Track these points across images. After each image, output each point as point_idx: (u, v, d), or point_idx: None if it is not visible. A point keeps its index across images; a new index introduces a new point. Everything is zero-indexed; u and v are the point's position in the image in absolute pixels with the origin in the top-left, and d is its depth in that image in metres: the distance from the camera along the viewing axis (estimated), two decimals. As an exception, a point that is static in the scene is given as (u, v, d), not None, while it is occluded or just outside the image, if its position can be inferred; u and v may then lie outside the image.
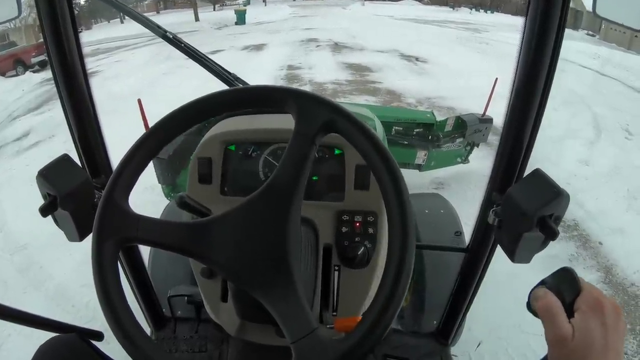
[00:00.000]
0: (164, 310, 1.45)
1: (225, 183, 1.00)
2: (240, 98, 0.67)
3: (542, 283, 0.58)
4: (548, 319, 0.55)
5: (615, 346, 0.51)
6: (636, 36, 14.70)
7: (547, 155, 3.74)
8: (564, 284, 0.56)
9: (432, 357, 1.35)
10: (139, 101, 2.48)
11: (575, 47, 10.78)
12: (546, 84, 0.83)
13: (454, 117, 3.41)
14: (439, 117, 3.42)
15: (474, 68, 8.64)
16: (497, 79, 3.02)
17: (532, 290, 0.59)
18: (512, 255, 0.89)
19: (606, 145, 4.75)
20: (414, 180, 3.52)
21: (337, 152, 0.98)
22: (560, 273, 0.58)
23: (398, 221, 0.56)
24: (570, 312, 0.54)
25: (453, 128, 3.41)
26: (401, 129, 3.32)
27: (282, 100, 0.64)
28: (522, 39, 0.81)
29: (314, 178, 0.99)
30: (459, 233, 1.64)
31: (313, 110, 0.62)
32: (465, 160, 3.63)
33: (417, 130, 3.34)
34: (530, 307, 0.58)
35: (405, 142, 3.33)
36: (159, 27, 1.21)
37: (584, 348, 0.51)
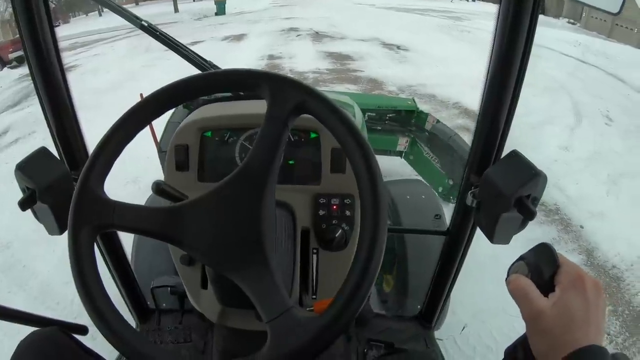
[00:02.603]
0: (148, 302, 1.44)
1: (202, 170, 1.00)
2: (213, 82, 0.67)
3: (521, 259, 0.59)
4: (520, 298, 0.56)
5: (596, 321, 0.51)
6: (617, 24, 14.88)
7: (527, 141, 3.79)
8: (542, 259, 0.57)
9: (416, 340, 1.37)
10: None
11: (556, 35, 10.87)
12: (521, 65, 0.83)
13: (435, 119, 3.28)
14: (421, 106, 3.40)
15: (455, 56, 8.67)
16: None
17: (511, 266, 0.60)
18: (491, 236, 0.90)
19: (586, 131, 4.82)
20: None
21: (312, 135, 0.98)
22: (538, 248, 0.58)
23: (369, 200, 0.56)
24: (549, 287, 0.55)
25: (431, 128, 3.29)
26: (382, 116, 3.32)
27: (254, 84, 0.64)
28: (497, 18, 0.81)
29: (290, 162, 0.99)
30: (438, 216, 1.66)
31: (285, 93, 0.62)
32: (446, 196, 3.07)
33: (398, 117, 3.32)
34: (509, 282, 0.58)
35: (387, 129, 3.33)
36: (137, 18, 1.20)
37: (564, 323, 0.51)
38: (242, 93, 1.12)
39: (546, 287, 0.55)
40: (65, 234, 0.90)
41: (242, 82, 0.66)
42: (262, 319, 0.55)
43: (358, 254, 0.55)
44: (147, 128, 0.71)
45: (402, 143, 3.27)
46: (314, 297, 0.95)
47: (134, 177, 3.47)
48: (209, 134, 1.01)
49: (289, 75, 0.66)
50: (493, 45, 0.84)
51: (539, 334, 0.53)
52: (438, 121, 3.22)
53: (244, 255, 0.59)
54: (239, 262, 0.58)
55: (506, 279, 0.59)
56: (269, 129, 0.61)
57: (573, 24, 18.32)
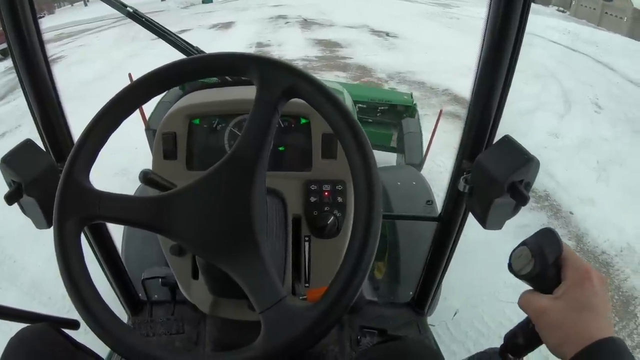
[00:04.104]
0: (139, 294, 1.43)
1: (191, 158, 0.99)
2: (200, 66, 0.66)
3: (524, 244, 0.58)
4: (524, 305, 0.58)
5: (606, 314, 0.53)
6: (606, 12, 14.96)
7: (517, 127, 3.80)
8: (545, 244, 0.57)
9: (409, 327, 1.38)
10: (130, 75, 2.41)
11: (545, 22, 10.89)
12: (514, 51, 0.82)
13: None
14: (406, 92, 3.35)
15: (444, 43, 8.70)
16: (441, 110, 2.95)
17: (513, 251, 0.59)
18: (483, 222, 0.90)
19: (576, 118, 4.84)
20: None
21: (303, 121, 0.97)
22: (541, 233, 0.58)
23: (363, 187, 0.55)
24: (555, 278, 0.56)
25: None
26: (376, 108, 3.24)
27: (243, 67, 0.63)
28: (490, 4, 0.80)
29: (281, 149, 0.98)
30: (430, 202, 1.67)
31: (274, 76, 0.61)
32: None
33: (395, 112, 3.24)
34: (511, 267, 0.59)
35: (380, 124, 3.26)
36: (124, 5, 1.18)
37: (574, 316, 0.52)
38: (229, 78, 1.10)
39: (551, 276, 0.56)
40: None
41: (230, 66, 0.65)
42: (255, 310, 0.54)
43: (352, 242, 0.54)
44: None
45: (396, 139, 3.18)
46: (307, 285, 0.95)
47: (122, 167, 3.43)
48: (197, 121, 0.99)
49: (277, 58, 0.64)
50: (485, 31, 0.83)
51: (548, 328, 0.54)
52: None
53: (234, 244, 0.57)
54: (230, 252, 0.57)
55: (509, 263, 0.59)
56: (258, 113, 0.60)
57: (562, 11, 18.38)
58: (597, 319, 0.52)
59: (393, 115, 3.25)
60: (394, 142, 3.21)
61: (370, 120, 3.25)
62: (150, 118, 2.63)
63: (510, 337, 0.62)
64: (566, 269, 0.55)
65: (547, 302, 0.54)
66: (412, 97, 3.31)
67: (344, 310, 0.53)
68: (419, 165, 2.73)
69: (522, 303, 0.58)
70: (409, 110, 3.20)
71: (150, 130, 2.59)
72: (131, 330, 0.57)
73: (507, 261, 0.60)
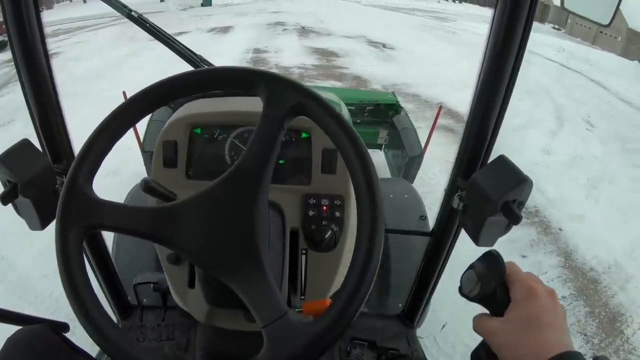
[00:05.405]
0: (129, 298, 1.43)
1: (190, 167, 0.99)
2: (208, 79, 0.66)
3: (471, 267, 0.60)
4: (477, 328, 0.59)
5: (558, 327, 0.53)
6: (601, 32, 15.16)
7: (509, 143, 3.83)
8: (490, 267, 0.58)
9: (398, 338, 1.38)
10: (124, 93, 2.40)
11: (541, 40, 11.03)
12: (513, 72, 0.84)
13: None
14: (405, 105, 3.42)
15: (440, 56, 8.79)
16: (440, 106, 3.02)
17: (463, 274, 0.61)
18: (476, 239, 0.91)
19: (568, 135, 4.91)
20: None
21: (304, 135, 0.98)
22: (486, 256, 0.60)
23: (367, 205, 0.56)
24: (504, 295, 0.57)
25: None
26: (363, 109, 3.35)
27: (251, 83, 0.63)
28: (492, 24, 0.81)
29: (281, 161, 0.99)
30: (423, 217, 1.68)
31: (282, 93, 0.61)
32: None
33: (379, 111, 3.37)
34: (461, 291, 0.61)
35: (367, 123, 3.37)
36: (123, 6, 1.18)
37: (524, 335, 0.53)
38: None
39: (501, 297, 0.57)
40: (47, 228, 0.88)
41: (238, 81, 0.65)
42: (258, 323, 0.54)
43: (355, 259, 0.55)
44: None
45: (383, 136, 3.32)
46: (302, 297, 0.95)
47: (114, 168, 3.40)
48: (198, 130, 0.99)
49: (285, 74, 0.65)
50: (486, 50, 0.84)
51: (500, 349, 0.55)
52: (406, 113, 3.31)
53: (238, 258, 0.58)
54: (233, 265, 0.58)
55: (459, 287, 0.61)
56: (264, 128, 0.61)
57: (558, 29, 18.62)
58: (547, 334, 0.52)
59: (378, 114, 3.38)
60: (380, 139, 3.35)
61: (358, 121, 3.36)
62: (144, 139, 2.60)
63: (474, 354, 0.63)
64: (512, 290, 0.57)
65: (497, 324, 0.56)
66: (394, 95, 3.46)
67: (347, 324, 0.53)
68: (420, 157, 2.83)
69: (475, 326, 0.59)
70: (394, 107, 3.34)
71: (146, 153, 2.56)
72: (134, 342, 0.57)
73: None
